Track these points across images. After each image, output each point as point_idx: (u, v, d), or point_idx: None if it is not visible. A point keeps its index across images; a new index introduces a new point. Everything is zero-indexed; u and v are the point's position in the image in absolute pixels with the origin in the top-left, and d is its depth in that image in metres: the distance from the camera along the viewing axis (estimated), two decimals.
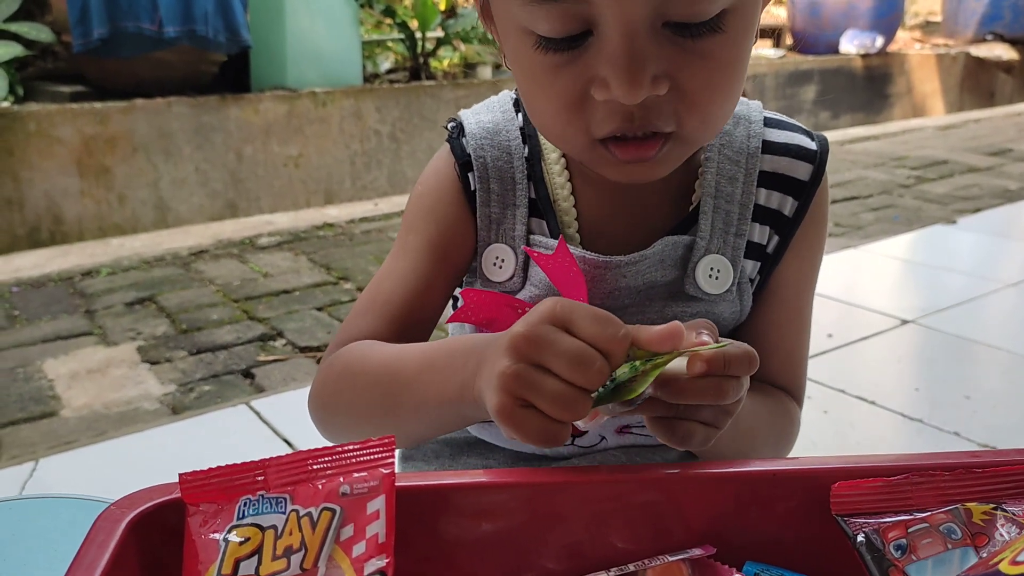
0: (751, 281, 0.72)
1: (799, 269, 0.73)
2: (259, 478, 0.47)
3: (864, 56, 6.11)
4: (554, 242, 0.68)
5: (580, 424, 0.52)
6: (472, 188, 0.71)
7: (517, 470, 0.52)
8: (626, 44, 0.53)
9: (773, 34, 6.31)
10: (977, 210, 3.79)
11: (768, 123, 0.73)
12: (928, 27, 7.92)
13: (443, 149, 0.73)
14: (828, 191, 0.73)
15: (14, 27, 3.42)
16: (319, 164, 3.87)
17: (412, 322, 0.71)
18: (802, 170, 0.71)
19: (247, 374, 2.22)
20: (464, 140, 0.71)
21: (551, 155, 0.71)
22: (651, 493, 0.53)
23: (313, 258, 3.19)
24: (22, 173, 3.22)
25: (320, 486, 0.46)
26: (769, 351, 0.72)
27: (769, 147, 0.71)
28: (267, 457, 0.48)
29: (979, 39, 7.04)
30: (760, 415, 0.70)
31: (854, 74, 6.10)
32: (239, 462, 0.48)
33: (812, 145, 0.72)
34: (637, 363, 0.50)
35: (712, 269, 0.68)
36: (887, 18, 6.23)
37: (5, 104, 3.22)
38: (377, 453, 0.47)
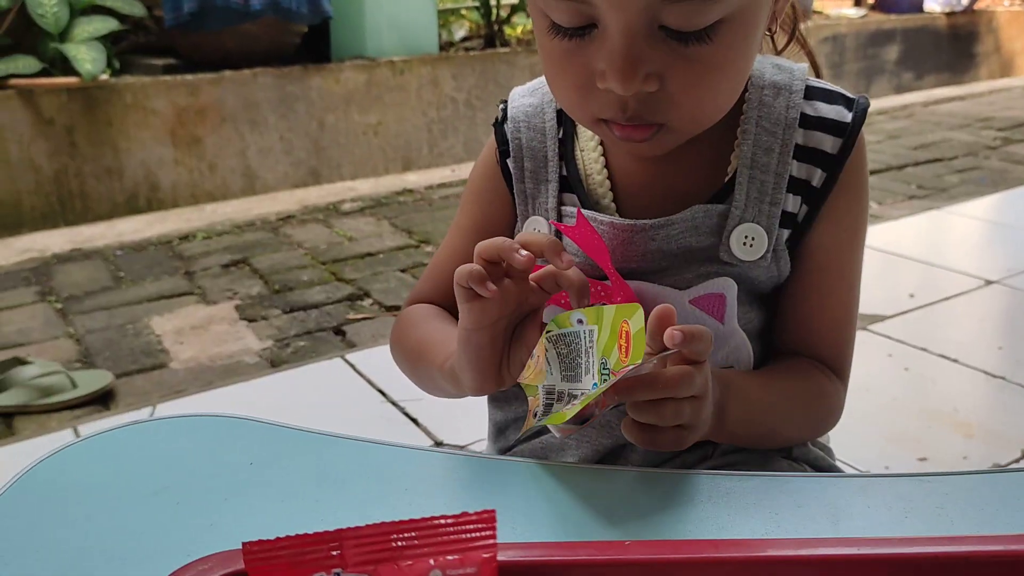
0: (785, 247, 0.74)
1: (835, 235, 0.74)
2: (334, 553, 0.41)
3: (949, 14, 5.91)
4: (585, 211, 0.73)
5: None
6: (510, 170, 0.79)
7: (628, 544, 0.48)
8: (623, 44, 0.60)
9: None
10: None
11: (809, 93, 0.73)
12: None
13: (491, 135, 0.82)
14: (865, 158, 0.74)
15: (109, 2, 3.57)
16: (398, 132, 3.96)
17: None
18: (829, 143, 0.72)
19: (338, 331, 2.33)
20: (506, 126, 0.79)
21: (586, 132, 0.77)
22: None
23: (395, 222, 3.28)
24: (120, 143, 3.38)
25: (406, 567, 0.40)
26: (808, 315, 0.75)
27: (805, 120, 0.72)
28: (343, 528, 0.42)
29: None
30: (783, 394, 0.71)
31: (939, 33, 5.91)
32: (310, 532, 0.42)
33: (847, 117, 0.72)
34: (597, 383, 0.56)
35: (747, 237, 0.71)
36: None
37: (104, 77, 3.38)
38: (476, 531, 0.41)
